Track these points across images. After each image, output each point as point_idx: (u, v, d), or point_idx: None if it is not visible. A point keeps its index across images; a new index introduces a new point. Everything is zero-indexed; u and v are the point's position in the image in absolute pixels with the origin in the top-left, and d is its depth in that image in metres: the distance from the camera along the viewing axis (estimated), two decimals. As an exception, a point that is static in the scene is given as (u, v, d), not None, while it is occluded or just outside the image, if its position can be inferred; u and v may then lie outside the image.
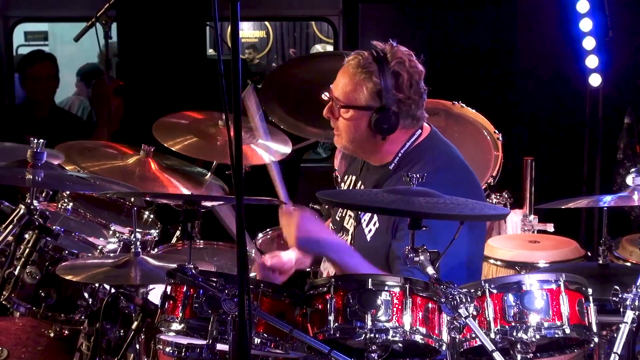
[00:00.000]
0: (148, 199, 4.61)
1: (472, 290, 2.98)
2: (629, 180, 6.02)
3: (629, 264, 4.51)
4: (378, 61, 3.60)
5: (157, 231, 4.72)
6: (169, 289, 3.16)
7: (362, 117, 3.64)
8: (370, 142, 3.68)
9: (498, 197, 4.97)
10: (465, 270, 3.58)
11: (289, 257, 3.98)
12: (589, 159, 7.17)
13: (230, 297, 2.91)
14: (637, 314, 3.13)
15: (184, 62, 7.84)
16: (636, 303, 3.13)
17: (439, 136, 3.81)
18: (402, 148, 3.69)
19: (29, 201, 3.96)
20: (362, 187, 3.82)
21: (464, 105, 4.94)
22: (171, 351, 3.36)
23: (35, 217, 3.97)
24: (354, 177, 3.92)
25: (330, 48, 11.85)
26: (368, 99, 3.61)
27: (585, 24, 6.77)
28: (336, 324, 2.96)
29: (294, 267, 3.99)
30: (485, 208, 3.40)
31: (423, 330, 2.97)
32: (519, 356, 2.97)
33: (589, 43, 6.78)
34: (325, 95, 4.21)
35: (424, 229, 2.97)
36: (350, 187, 3.92)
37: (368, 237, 3.67)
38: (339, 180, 4.36)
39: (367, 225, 3.68)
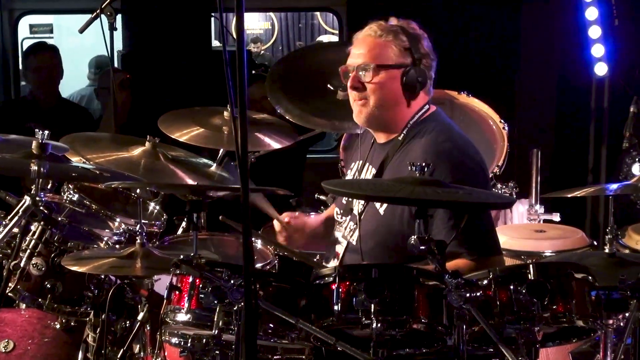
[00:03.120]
0: (154, 189, 4.61)
1: (478, 279, 2.98)
2: (635, 169, 6.02)
3: (635, 253, 4.50)
4: (400, 27, 3.73)
5: (163, 222, 4.72)
6: (174, 279, 3.17)
7: (394, 75, 3.71)
8: (396, 105, 3.74)
9: (504, 187, 4.96)
10: None
11: (310, 220, 4.15)
12: (594, 149, 7.16)
13: (236, 287, 2.92)
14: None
15: (189, 54, 7.84)
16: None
17: (443, 114, 3.89)
18: (411, 119, 3.76)
19: (34, 193, 3.96)
20: (370, 167, 3.85)
21: (469, 95, 4.92)
22: (177, 342, 3.36)
23: (41, 208, 3.97)
24: (360, 162, 3.94)
25: (335, 39, 11.85)
26: (399, 56, 3.70)
27: (591, 12, 6.76)
28: (342, 314, 2.95)
29: (311, 230, 4.14)
30: (491, 196, 3.41)
31: (428, 319, 2.96)
32: (525, 345, 2.97)
33: (594, 32, 6.77)
34: (331, 85, 4.22)
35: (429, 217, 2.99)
36: (356, 173, 3.95)
37: (381, 211, 3.70)
38: (344, 170, 4.37)
39: None
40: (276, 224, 4.09)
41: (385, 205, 3.68)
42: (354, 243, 3.79)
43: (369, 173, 3.85)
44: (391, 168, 3.71)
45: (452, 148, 3.65)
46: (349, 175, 4.03)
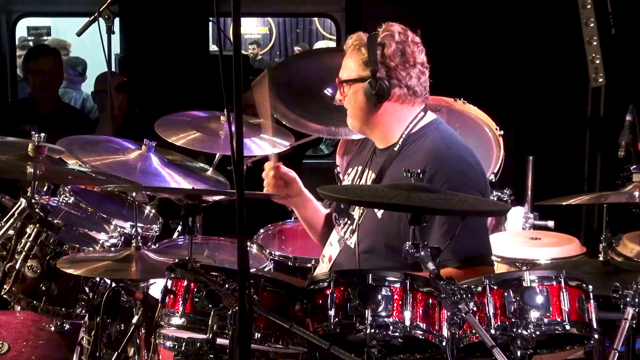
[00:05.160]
0: (149, 193, 4.61)
1: (473, 286, 2.99)
2: (633, 177, 6.02)
3: (629, 261, 4.50)
4: (369, 37, 3.74)
5: (158, 226, 4.73)
6: (169, 283, 3.17)
7: (357, 89, 3.77)
8: (369, 114, 3.78)
9: (500, 194, 4.96)
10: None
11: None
12: (590, 157, 7.15)
13: (231, 291, 2.92)
14: (637, 310, 3.13)
15: (187, 58, 7.84)
16: (636, 300, 3.12)
17: (444, 123, 3.88)
18: (406, 129, 3.76)
19: (30, 195, 3.96)
20: (370, 173, 3.86)
21: (465, 102, 4.93)
22: (171, 345, 3.36)
23: (37, 210, 3.97)
24: (359, 168, 3.95)
25: (333, 44, 11.87)
26: (358, 70, 3.75)
27: (588, 21, 6.75)
28: (336, 319, 2.95)
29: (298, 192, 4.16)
30: (486, 204, 3.41)
31: (423, 325, 2.96)
32: (518, 352, 2.97)
33: (591, 40, 6.76)
34: (327, 91, 4.23)
35: (424, 224, 2.98)
36: (355, 178, 3.95)
37: (379, 215, 3.72)
38: (342, 175, 4.37)
39: None
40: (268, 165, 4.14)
41: None
42: (352, 246, 3.80)
43: (368, 178, 3.85)
44: (390, 174, 3.72)
45: (453, 155, 3.66)
46: (347, 180, 4.04)
